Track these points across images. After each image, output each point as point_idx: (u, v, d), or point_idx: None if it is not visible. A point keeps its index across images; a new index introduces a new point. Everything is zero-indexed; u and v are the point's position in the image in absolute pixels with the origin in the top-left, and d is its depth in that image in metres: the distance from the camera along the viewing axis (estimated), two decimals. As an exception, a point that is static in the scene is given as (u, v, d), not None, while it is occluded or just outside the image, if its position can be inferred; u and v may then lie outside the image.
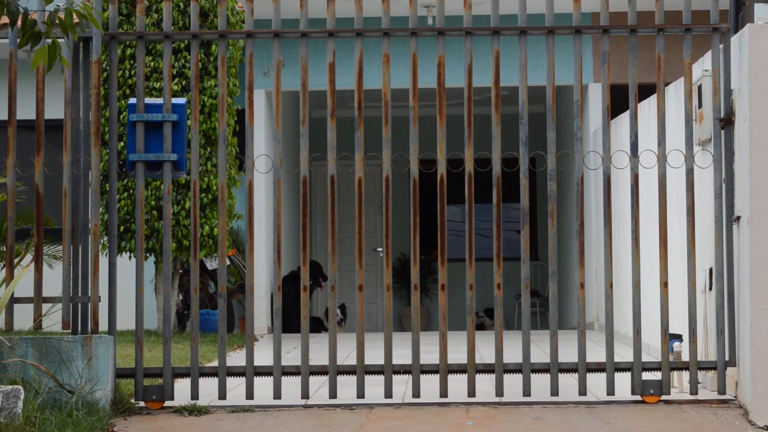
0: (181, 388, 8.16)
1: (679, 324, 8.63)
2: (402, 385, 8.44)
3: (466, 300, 7.84)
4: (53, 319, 7.90)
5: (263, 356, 10.13)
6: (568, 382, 8.19)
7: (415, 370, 7.85)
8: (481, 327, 18.00)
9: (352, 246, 18.12)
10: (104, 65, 11.86)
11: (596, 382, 8.14)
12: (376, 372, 7.88)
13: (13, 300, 7.73)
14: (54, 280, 8.68)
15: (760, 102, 7.57)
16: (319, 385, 8.49)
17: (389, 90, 7.89)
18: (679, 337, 8.29)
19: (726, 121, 7.83)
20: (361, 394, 7.84)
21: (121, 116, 12.32)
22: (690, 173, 7.84)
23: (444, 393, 7.84)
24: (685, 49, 7.89)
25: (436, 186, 7.95)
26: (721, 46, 7.90)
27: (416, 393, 7.85)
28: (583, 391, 7.82)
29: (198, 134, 7.86)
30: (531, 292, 16.19)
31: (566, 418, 7.40)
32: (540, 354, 10.13)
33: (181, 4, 12.49)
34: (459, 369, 7.88)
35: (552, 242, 7.88)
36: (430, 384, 8.05)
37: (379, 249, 19.17)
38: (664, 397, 7.82)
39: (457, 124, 11.27)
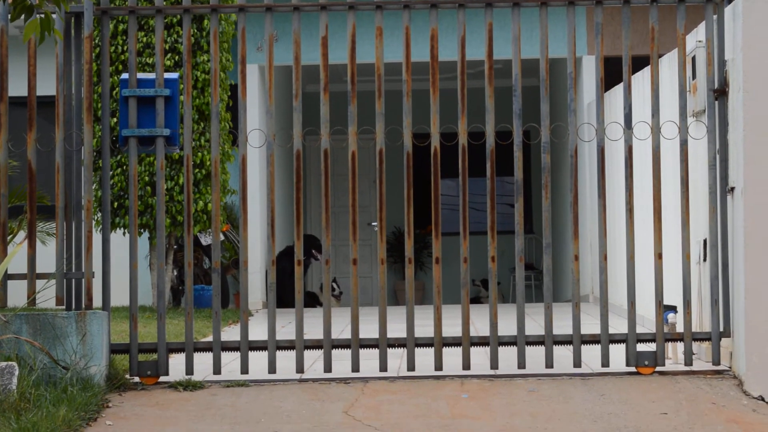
0: (176, 363, 8.16)
1: (673, 295, 8.64)
2: (397, 358, 8.45)
3: (461, 273, 7.84)
4: (47, 296, 7.89)
5: (258, 331, 10.14)
6: (563, 354, 8.20)
7: (410, 343, 7.85)
8: (476, 300, 18.03)
9: (347, 220, 18.12)
10: (96, 41, 11.86)
11: (591, 354, 8.15)
12: (371, 346, 7.89)
13: (7, 276, 7.72)
14: (48, 257, 8.68)
15: (754, 73, 7.56)
16: (314, 359, 8.50)
17: (382, 63, 7.87)
18: (673, 309, 8.30)
19: (720, 92, 7.82)
20: (356, 367, 7.85)
21: (114, 92, 12.29)
22: (684, 144, 7.84)
23: (439, 366, 7.85)
24: (679, 20, 7.87)
25: (429, 159, 7.94)
26: (714, 16, 7.88)
27: (411, 366, 7.85)
28: (577, 363, 7.83)
29: (191, 109, 7.84)
30: (526, 265, 16.22)
31: (561, 390, 7.42)
32: (535, 326, 10.14)
33: (172, -22, 12.44)
34: (454, 342, 7.89)
35: (546, 215, 7.88)
36: (425, 357, 8.06)
37: (373, 223, 19.18)
38: (658, 369, 7.83)
39: (450, 97, 11.24)
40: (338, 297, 16.27)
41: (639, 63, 10.05)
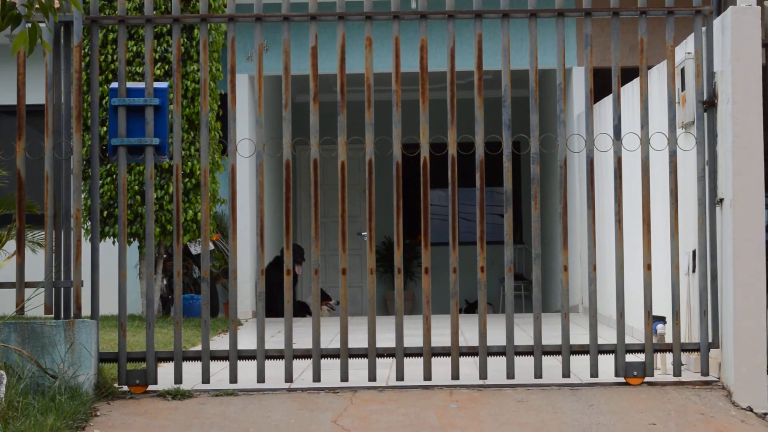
0: (165, 372, 8.15)
1: (662, 306, 8.65)
2: (386, 368, 8.45)
3: (450, 283, 7.85)
4: (36, 304, 7.88)
5: (247, 340, 10.13)
6: (552, 365, 8.21)
7: (399, 353, 7.85)
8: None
9: (336, 230, 18.11)
10: (86, 50, 11.84)
11: (580, 365, 8.15)
12: (360, 355, 7.89)
13: (-4, 285, 7.71)
14: (37, 265, 8.66)
15: (743, 84, 7.58)
16: (303, 368, 8.49)
17: (372, 74, 7.88)
18: (662, 319, 8.31)
19: (709, 104, 7.84)
20: (344, 377, 7.85)
21: (104, 101, 12.28)
22: (673, 156, 7.85)
23: (428, 376, 7.85)
24: (668, 32, 7.90)
25: (419, 170, 7.95)
26: (703, 28, 7.91)
27: (400, 376, 7.85)
28: (566, 373, 7.84)
29: (180, 119, 7.85)
30: (515, 276, 16.22)
31: (550, 401, 7.42)
32: (524, 337, 10.15)
33: (163, -12, 12.44)
34: (443, 352, 7.89)
35: (535, 225, 7.89)
36: (414, 367, 8.06)
37: (363, 233, 19.18)
38: (647, 379, 7.84)
39: (440, 107, 11.26)
40: (333, 307, 16.24)
41: (628, 74, 10.07)
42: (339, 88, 7.87)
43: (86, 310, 8.26)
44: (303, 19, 7.96)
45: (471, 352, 7.92)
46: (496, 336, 8.59)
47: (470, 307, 18.18)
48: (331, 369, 8.07)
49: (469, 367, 8.33)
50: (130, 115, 7.87)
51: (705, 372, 7.82)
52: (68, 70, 7.85)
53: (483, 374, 7.86)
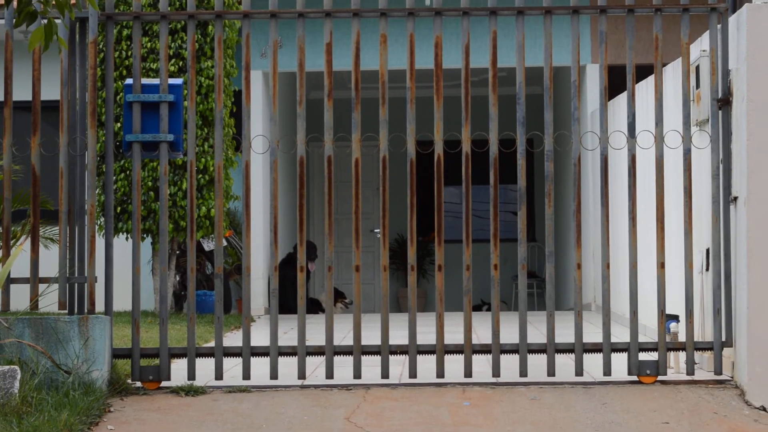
0: (178, 368, 8.16)
1: (675, 305, 8.63)
2: (399, 365, 8.45)
3: (463, 281, 7.85)
4: (50, 300, 7.90)
5: (260, 337, 10.13)
6: (565, 363, 8.20)
7: (412, 350, 7.85)
8: (478, 308, 18.00)
9: (349, 227, 18.12)
10: (101, 46, 11.88)
11: (593, 363, 8.14)
12: (373, 352, 7.89)
13: (10, 280, 7.72)
14: (51, 261, 8.68)
15: (758, 82, 7.56)
16: (316, 365, 8.50)
17: (386, 71, 7.88)
18: (675, 318, 8.29)
19: (723, 102, 7.83)
20: (357, 374, 7.85)
21: (118, 97, 12.30)
22: (687, 154, 7.84)
23: (441, 374, 7.85)
24: (683, 29, 7.88)
25: (433, 167, 7.94)
26: (719, 26, 7.89)
27: (413, 374, 7.85)
28: (579, 371, 7.83)
29: (195, 115, 7.86)
30: (528, 273, 16.22)
31: (563, 399, 7.41)
32: (537, 335, 10.14)
33: (177, -16, 12.46)
34: (456, 349, 7.89)
35: (549, 223, 7.88)
36: (427, 364, 8.05)
37: (376, 230, 19.18)
38: (660, 378, 7.83)
39: (454, 105, 11.26)
40: (347, 305, 16.24)
41: (643, 72, 10.05)
42: (353, 84, 7.88)
43: (100, 305, 8.27)
44: (318, 15, 7.96)
45: (484, 349, 7.92)
46: (509, 334, 8.59)
47: (490, 307, 18.15)
48: (344, 366, 8.07)
49: (482, 364, 8.32)
50: (144, 112, 7.88)
51: (718, 371, 7.81)
52: (83, 66, 7.87)
53: (496, 372, 7.85)
